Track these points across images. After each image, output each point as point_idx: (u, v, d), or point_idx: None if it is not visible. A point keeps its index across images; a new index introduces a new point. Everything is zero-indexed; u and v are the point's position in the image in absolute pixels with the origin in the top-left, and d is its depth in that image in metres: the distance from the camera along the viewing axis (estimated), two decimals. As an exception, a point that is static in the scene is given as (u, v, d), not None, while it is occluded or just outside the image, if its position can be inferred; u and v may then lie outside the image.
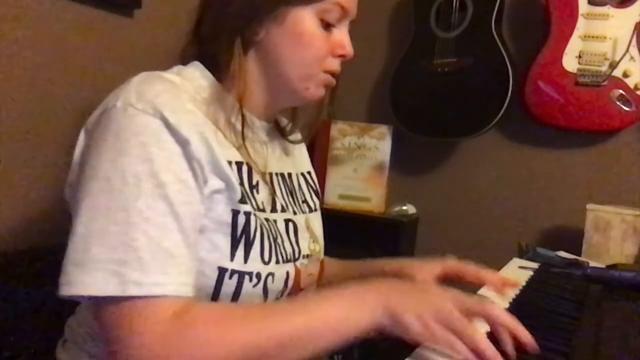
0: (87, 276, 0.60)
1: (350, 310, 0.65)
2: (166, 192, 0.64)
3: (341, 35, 0.79)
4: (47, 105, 1.14)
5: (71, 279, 0.61)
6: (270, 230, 0.76)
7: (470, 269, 0.91)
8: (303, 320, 0.64)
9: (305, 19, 0.75)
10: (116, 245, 0.61)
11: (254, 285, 0.73)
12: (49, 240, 1.13)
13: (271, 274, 0.75)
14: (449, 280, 0.94)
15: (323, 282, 0.96)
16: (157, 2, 1.36)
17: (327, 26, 0.77)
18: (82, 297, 0.61)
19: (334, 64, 0.80)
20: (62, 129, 1.17)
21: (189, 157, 0.67)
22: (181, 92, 0.71)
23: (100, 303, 0.62)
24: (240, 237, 0.72)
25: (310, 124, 0.94)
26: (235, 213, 0.71)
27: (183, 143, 0.66)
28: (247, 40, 0.76)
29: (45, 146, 1.15)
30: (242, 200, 0.72)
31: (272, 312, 0.66)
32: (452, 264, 0.92)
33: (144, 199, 0.62)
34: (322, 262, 0.90)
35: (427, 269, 0.93)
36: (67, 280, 0.61)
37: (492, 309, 0.64)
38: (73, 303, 0.83)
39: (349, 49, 0.80)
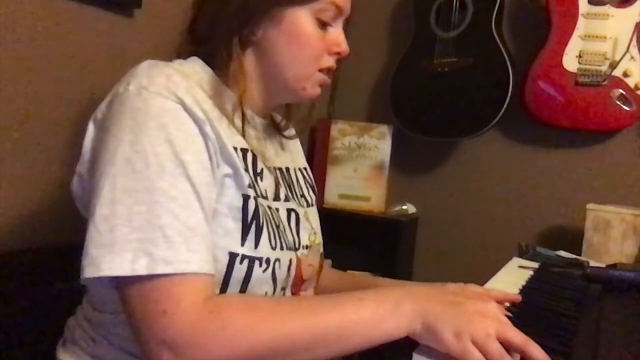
0: (115, 256, 0.60)
1: (386, 315, 0.65)
2: (187, 171, 0.65)
3: (337, 33, 0.80)
4: (47, 105, 1.14)
5: (97, 261, 0.61)
6: (273, 218, 0.77)
7: (472, 294, 0.86)
8: (336, 318, 0.64)
9: (302, 19, 0.76)
10: (142, 224, 0.61)
11: (264, 271, 0.73)
12: (49, 240, 1.13)
13: (278, 259, 0.75)
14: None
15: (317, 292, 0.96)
16: (157, 2, 1.36)
17: (323, 25, 0.78)
18: (106, 279, 0.61)
19: (330, 61, 0.81)
20: (62, 128, 1.17)
21: (205, 136, 0.68)
22: (186, 77, 0.71)
23: (127, 283, 0.62)
24: (251, 223, 0.72)
25: (304, 120, 0.95)
26: (245, 198, 0.72)
27: (200, 123, 0.68)
28: (245, 39, 0.77)
29: (46, 146, 1.15)
30: (250, 186, 0.73)
31: (303, 306, 0.66)
32: (453, 288, 0.89)
33: (166, 178, 0.63)
34: (321, 255, 0.90)
35: None
36: (92, 262, 0.61)
37: (533, 348, 0.60)
38: (73, 303, 0.83)
39: (344, 47, 0.81)
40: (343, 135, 1.93)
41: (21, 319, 0.97)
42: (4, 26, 1.04)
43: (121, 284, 0.63)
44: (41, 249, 1.09)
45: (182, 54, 0.81)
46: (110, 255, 0.60)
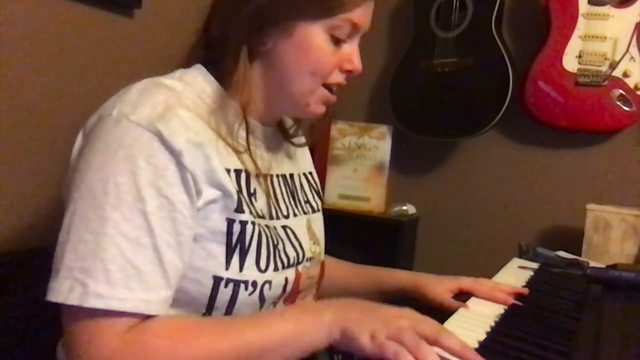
0: (57, 283, 0.61)
1: (306, 327, 0.66)
2: (145, 207, 0.63)
3: (351, 50, 0.78)
4: (46, 105, 1.14)
5: (49, 284, 0.62)
6: (271, 237, 0.76)
7: (484, 289, 0.91)
8: (257, 336, 0.64)
9: (314, 34, 0.74)
10: (86, 254, 0.61)
11: (250, 294, 0.72)
12: (48, 240, 1.13)
13: (268, 281, 0.74)
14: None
15: (333, 285, 0.97)
16: (157, 2, 1.36)
17: (337, 42, 0.76)
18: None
19: (339, 78, 0.79)
20: (62, 128, 1.17)
21: (181, 168, 0.66)
22: (182, 99, 0.70)
23: (64, 310, 0.62)
24: (235, 246, 0.71)
25: (318, 125, 0.93)
26: (230, 222, 0.71)
27: (176, 155, 0.66)
28: (254, 49, 0.76)
29: (45, 146, 1.15)
30: (239, 209, 0.71)
31: (226, 327, 0.66)
32: (466, 282, 0.94)
33: (121, 211, 0.62)
34: (322, 264, 0.90)
35: (444, 284, 0.94)
36: (47, 286, 0.63)
37: (445, 338, 0.62)
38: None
39: (357, 65, 0.79)
40: (343, 136, 1.93)
41: (21, 319, 0.97)
42: (4, 26, 1.04)
43: (61, 309, 0.63)
44: (41, 249, 1.09)
45: (192, 57, 0.79)
46: (54, 281, 0.62)
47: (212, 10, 0.80)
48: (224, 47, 0.75)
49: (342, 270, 1.01)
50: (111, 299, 0.60)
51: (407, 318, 0.66)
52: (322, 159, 1.93)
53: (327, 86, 0.79)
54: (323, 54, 0.75)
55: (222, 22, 0.76)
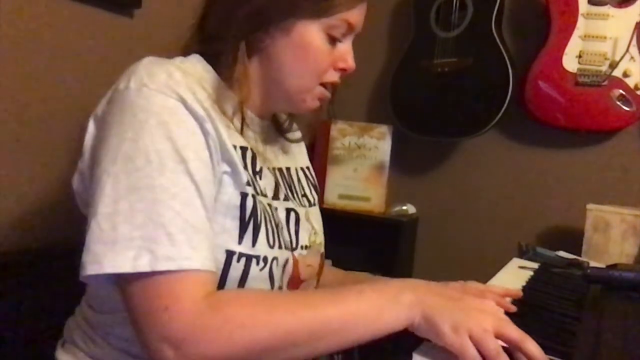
0: (117, 254, 0.61)
1: (386, 307, 0.65)
2: (188, 168, 0.65)
3: (345, 49, 0.80)
4: (46, 104, 1.14)
5: (100, 258, 0.61)
6: (272, 216, 0.77)
7: (471, 290, 0.86)
8: (336, 311, 0.64)
9: (312, 33, 0.76)
10: (144, 222, 0.61)
11: (261, 269, 0.73)
12: (49, 240, 1.13)
13: (275, 258, 0.75)
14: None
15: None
16: (157, 2, 1.36)
17: (332, 41, 0.78)
18: (107, 276, 0.61)
19: (334, 77, 0.81)
20: (62, 128, 1.17)
21: (205, 134, 0.68)
22: (187, 75, 0.71)
23: (130, 280, 0.62)
24: (249, 221, 0.72)
25: (311, 123, 0.95)
26: (244, 196, 0.72)
27: (200, 120, 0.68)
28: (252, 45, 0.77)
29: (45, 146, 1.15)
30: (249, 183, 0.73)
31: (306, 300, 0.67)
32: (453, 284, 0.88)
33: (168, 176, 0.64)
34: (322, 256, 0.90)
35: None
36: (94, 260, 0.61)
37: (530, 344, 0.61)
38: (72, 303, 0.83)
39: (351, 63, 0.80)
40: (343, 135, 1.93)
41: (21, 319, 0.97)
42: (4, 26, 1.04)
43: (123, 281, 0.63)
44: (41, 249, 1.09)
45: (187, 51, 0.80)
46: (112, 253, 0.61)
47: (207, 7, 0.80)
48: (222, 43, 0.76)
49: (331, 276, 1.01)
50: (180, 259, 0.61)
51: (490, 314, 0.64)
52: (322, 159, 1.92)
53: (322, 85, 0.80)
54: (320, 52, 0.77)
55: (220, 19, 0.77)
